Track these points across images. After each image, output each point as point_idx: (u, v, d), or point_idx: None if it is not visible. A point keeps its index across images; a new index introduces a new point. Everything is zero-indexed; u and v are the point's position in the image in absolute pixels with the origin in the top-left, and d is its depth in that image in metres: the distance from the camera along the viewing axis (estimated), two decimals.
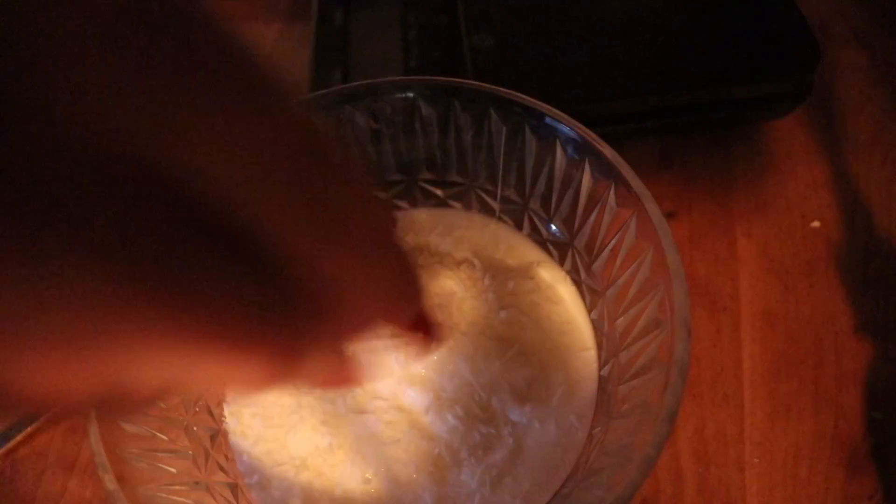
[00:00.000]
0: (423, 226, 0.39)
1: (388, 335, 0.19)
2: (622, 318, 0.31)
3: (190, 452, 0.31)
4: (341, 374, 0.18)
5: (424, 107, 0.35)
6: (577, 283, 0.35)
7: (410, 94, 0.35)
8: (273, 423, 0.33)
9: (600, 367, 0.33)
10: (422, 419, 0.32)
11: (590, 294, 0.35)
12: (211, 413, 0.34)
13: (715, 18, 0.42)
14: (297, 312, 0.14)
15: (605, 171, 0.31)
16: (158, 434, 0.30)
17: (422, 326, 0.21)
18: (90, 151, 0.11)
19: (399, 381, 0.33)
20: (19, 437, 0.38)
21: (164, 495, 0.28)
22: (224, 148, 0.12)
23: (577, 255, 0.35)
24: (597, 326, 0.34)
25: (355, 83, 0.35)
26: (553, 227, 0.36)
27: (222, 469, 0.32)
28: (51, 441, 0.38)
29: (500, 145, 0.35)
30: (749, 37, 0.41)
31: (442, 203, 0.39)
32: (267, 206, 0.13)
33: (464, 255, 0.37)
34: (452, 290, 0.35)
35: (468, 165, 0.37)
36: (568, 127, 0.31)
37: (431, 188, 0.39)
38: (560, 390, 0.32)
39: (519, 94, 0.33)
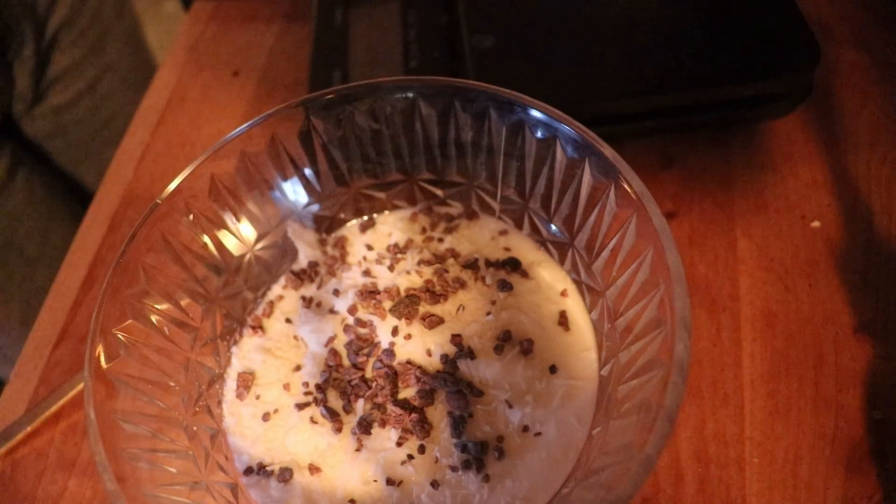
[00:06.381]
0: (422, 226, 0.39)
1: None
2: (622, 318, 0.31)
3: (190, 452, 0.31)
4: None
5: (424, 107, 0.35)
6: (577, 283, 0.35)
7: (410, 94, 0.35)
8: (273, 423, 0.33)
9: (600, 368, 0.33)
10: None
11: (590, 294, 0.35)
12: (211, 413, 0.34)
13: (715, 19, 0.42)
14: None
15: (605, 171, 0.31)
16: (158, 434, 0.30)
17: None
18: None
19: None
20: (19, 437, 0.38)
21: (164, 495, 0.28)
22: None
23: (577, 255, 0.35)
24: (597, 326, 0.34)
25: (355, 83, 0.35)
26: (553, 227, 0.36)
27: (222, 469, 0.32)
28: (51, 441, 0.38)
29: (500, 145, 0.35)
30: (749, 37, 0.41)
31: (442, 203, 0.39)
32: None
33: (464, 256, 0.37)
34: (453, 290, 0.35)
35: (468, 165, 0.37)
36: (568, 127, 0.31)
37: (431, 188, 0.39)
38: (560, 391, 0.32)
39: (519, 94, 0.33)
